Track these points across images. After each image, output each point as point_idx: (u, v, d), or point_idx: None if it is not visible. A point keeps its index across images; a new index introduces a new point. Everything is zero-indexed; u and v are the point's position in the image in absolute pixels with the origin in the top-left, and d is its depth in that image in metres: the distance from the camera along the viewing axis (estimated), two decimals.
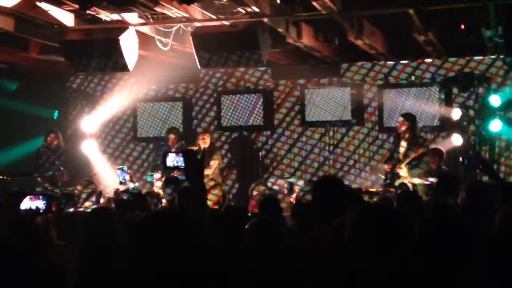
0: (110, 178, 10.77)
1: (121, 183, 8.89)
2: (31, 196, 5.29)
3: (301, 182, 9.00)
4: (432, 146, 9.69)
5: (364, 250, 2.52)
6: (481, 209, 4.36)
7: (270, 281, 2.33)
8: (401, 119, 9.44)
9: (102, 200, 8.32)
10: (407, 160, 9.02)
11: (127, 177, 8.91)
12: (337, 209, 3.48)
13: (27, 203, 5.18)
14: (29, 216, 5.05)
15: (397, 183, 8.86)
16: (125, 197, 7.29)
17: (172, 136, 10.54)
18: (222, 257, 3.34)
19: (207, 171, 9.60)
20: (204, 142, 10.04)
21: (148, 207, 6.56)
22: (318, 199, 3.80)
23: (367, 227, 2.57)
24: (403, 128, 9.24)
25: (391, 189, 8.39)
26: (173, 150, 9.95)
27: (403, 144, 9.24)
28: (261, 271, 3.14)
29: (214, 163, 10.12)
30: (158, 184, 8.93)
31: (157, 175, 9.41)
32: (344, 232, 2.59)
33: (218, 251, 3.28)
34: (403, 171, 8.95)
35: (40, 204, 5.34)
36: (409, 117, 9.45)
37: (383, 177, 9.66)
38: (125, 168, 9.27)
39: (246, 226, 3.57)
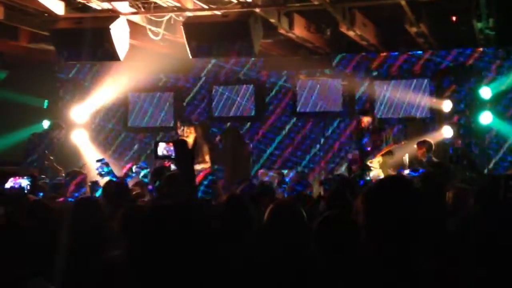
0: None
1: (100, 174, 8.57)
2: (16, 176, 5.18)
3: (292, 173, 9.00)
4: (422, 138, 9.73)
5: None
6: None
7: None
8: (363, 116, 9.53)
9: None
10: (382, 152, 9.19)
11: (106, 169, 8.53)
12: None
13: (11, 182, 5.07)
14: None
15: (370, 175, 8.97)
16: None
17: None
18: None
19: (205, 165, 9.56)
20: (183, 136, 9.72)
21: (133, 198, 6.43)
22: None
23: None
24: (369, 124, 9.38)
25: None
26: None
27: (368, 137, 9.40)
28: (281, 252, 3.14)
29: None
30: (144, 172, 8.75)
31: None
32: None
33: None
34: (376, 162, 9.09)
35: (25, 183, 5.21)
36: (371, 112, 9.76)
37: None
38: (104, 159, 8.97)
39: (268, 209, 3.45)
